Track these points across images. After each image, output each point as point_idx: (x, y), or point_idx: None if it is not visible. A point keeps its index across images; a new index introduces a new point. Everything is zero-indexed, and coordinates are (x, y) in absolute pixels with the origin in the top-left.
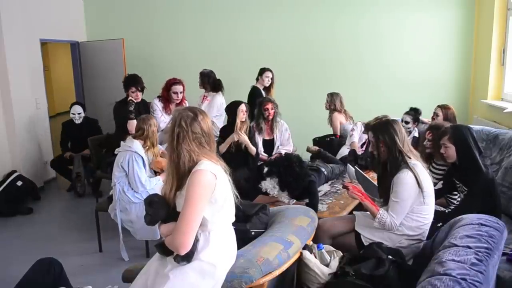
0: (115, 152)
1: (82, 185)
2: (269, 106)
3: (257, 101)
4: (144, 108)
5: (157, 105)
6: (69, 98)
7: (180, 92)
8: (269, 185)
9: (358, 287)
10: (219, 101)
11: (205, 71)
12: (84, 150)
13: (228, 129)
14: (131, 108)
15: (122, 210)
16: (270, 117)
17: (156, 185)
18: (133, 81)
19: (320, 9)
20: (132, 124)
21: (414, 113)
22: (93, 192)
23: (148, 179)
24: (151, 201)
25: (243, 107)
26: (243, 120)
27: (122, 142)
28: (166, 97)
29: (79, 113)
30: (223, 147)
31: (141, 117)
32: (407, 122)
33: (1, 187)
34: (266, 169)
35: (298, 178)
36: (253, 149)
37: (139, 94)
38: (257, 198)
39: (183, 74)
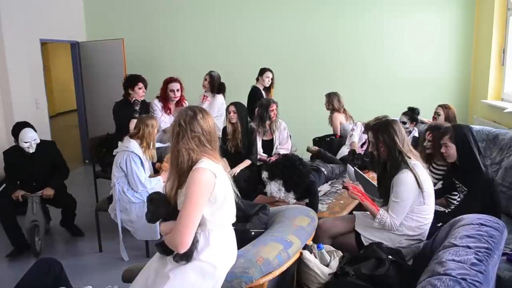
0: (114, 153)
1: (40, 240)
2: (275, 107)
3: (260, 103)
4: (143, 109)
5: (157, 105)
6: (69, 98)
7: (177, 90)
8: (274, 188)
9: (358, 287)
10: (220, 101)
11: (215, 73)
12: (44, 188)
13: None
14: (137, 108)
15: (122, 210)
16: (275, 118)
17: (156, 184)
18: (138, 78)
19: (320, 9)
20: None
21: (411, 113)
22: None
23: (148, 178)
24: (152, 199)
25: (231, 108)
26: (234, 121)
27: (119, 143)
28: (164, 96)
29: (34, 140)
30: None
31: (141, 116)
32: (404, 123)
33: (1, 187)
34: (265, 173)
35: (302, 175)
36: (247, 163)
37: (145, 90)
38: (257, 198)
39: (183, 74)
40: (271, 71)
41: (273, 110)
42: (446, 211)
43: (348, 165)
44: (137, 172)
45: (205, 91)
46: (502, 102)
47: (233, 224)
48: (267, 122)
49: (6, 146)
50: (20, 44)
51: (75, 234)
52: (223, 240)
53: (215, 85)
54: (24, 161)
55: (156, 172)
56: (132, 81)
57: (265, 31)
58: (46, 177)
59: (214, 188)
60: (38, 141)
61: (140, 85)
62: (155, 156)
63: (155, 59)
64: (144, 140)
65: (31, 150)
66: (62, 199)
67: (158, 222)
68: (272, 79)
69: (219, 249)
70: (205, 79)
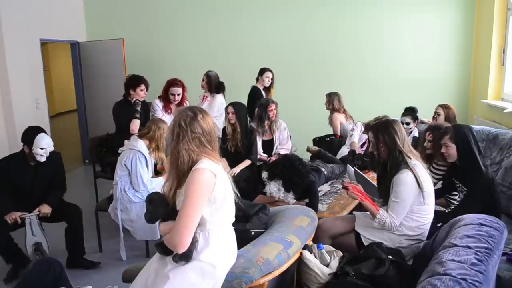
0: (119, 151)
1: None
2: (274, 107)
3: (259, 103)
4: (144, 109)
5: (158, 105)
6: (69, 98)
7: (178, 94)
8: (274, 188)
9: (358, 287)
10: (219, 101)
11: (212, 73)
12: (40, 205)
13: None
14: (139, 108)
15: (122, 209)
16: (274, 118)
17: (157, 185)
18: (141, 79)
19: (320, 9)
20: (136, 124)
21: (412, 112)
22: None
23: (150, 179)
24: (151, 199)
25: (229, 109)
26: (233, 121)
27: (126, 141)
28: (165, 97)
29: (50, 147)
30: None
31: (154, 118)
32: (408, 123)
33: None
34: (265, 173)
35: (301, 176)
36: (247, 163)
37: (146, 92)
38: (257, 198)
39: (183, 74)
40: (271, 71)
41: (272, 110)
42: (446, 211)
43: (348, 165)
44: (141, 171)
45: (205, 92)
46: (502, 102)
47: (233, 224)
48: (266, 122)
49: (5, 146)
50: (20, 44)
51: (87, 267)
52: (223, 240)
53: (213, 85)
54: (27, 172)
55: (157, 173)
56: (134, 81)
57: (265, 31)
58: (45, 192)
59: (214, 188)
60: (52, 149)
61: (142, 86)
62: (165, 159)
63: (155, 59)
64: (153, 141)
65: (43, 159)
66: (61, 211)
67: (157, 222)
68: (272, 79)
69: (218, 249)
70: (203, 79)
